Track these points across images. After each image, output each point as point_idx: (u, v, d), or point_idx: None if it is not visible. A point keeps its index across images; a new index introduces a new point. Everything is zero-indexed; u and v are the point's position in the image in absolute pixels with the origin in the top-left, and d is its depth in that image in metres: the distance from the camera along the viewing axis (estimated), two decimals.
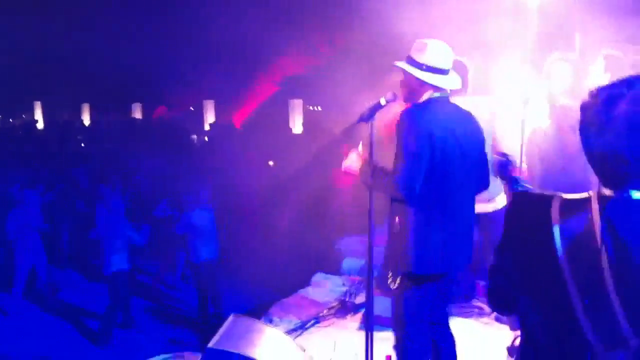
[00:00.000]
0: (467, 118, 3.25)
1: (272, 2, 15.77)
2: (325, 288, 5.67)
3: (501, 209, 4.47)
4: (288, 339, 3.42)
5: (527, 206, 1.60)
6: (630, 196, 1.44)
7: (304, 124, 17.74)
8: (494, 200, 4.50)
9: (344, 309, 5.08)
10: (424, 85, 3.13)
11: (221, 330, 3.22)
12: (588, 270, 1.42)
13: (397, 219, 3.10)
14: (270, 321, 4.99)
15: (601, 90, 1.47)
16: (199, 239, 6.51)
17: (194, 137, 17.77)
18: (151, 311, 7.30)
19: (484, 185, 3.42)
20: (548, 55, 4.88)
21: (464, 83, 4.32)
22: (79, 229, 8.52)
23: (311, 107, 19.51)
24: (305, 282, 5.87)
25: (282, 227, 9.76)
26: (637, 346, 1.37)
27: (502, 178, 3.58)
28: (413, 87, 3.17)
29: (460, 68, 4.34)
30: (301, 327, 4.84)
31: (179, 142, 14.54)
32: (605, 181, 1.49)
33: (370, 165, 3.19)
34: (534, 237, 1.52)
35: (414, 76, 3.12)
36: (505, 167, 3.49)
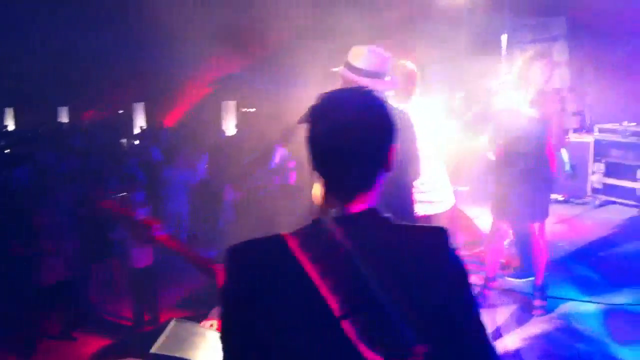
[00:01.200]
0: (403, 118, 3.32)
1: (201, 3, 15.58)
2: None
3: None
4: None
5: (256, 257, 1.44)
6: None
7: (237, 126, 17.63)
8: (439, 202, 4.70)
9: None
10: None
11: (162, 336, 3.15)
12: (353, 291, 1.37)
13: None
14: (212, 325, 4.92)
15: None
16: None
17: (124, 140, 17.37)
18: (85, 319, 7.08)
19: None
20: (476, 56, 5.14)
21: (411, 86, 4.44)
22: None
23: (244, 109, 19.39)
24: None
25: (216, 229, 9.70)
26: (423, 352, 1.34)
27: None
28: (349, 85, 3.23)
29: (407, 72, 4.47)
30: None
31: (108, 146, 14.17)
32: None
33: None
34: (284, 285, 1.39)
35: (353, 81, 3.19)
36: None
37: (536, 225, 5.03)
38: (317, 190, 1.50)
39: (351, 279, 1.36)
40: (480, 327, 1.45)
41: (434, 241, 1.45)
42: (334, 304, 1.33)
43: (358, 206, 1.45)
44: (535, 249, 5.05)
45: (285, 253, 1.39)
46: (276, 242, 1.42)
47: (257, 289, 1.39)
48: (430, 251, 1.43)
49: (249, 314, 1.38)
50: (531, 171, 4.85)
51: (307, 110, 3.49)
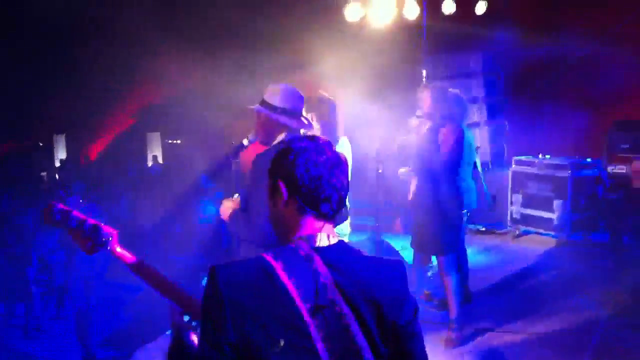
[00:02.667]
0: None
1: (123, 30, 15.36)
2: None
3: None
4: None
5: (243, 277, 1.54)
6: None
7: (163, 158, 17.36)
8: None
9: None
10: (279, 126, 3.23)
11: None
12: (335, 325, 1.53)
13: None
14: None
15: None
16: None
17: (44, 174, 16.80)
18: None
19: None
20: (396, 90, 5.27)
21: (333, 118, 4.48)
22: None
23: (170, 141, 19.12)
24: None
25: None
26: None
27: None
28: (269, 129, 3.30)
29: (328, 105, 4.53)
30: None
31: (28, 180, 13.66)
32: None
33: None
34: (271, 306, 1.50)
35: (269, 118, 3.23)
36: None
37: (440, 258, 5.08)
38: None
39: (330, 310, 1.52)
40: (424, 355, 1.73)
41: (397, 271, 1.69)
42: (312, 328, 1.48)
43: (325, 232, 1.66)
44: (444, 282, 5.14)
45: (272, 277, 1.51)
46: (264, 266, 1.54)
47: (245, 309, 1.48)
48: (396, 280, 1.67)
49: (232, 333, 1.47)
50: (435, 203, 4.94)
51: (230, 149, 3.48)
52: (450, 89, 5.41)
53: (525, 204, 8.55)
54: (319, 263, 1.57)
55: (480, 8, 8.79)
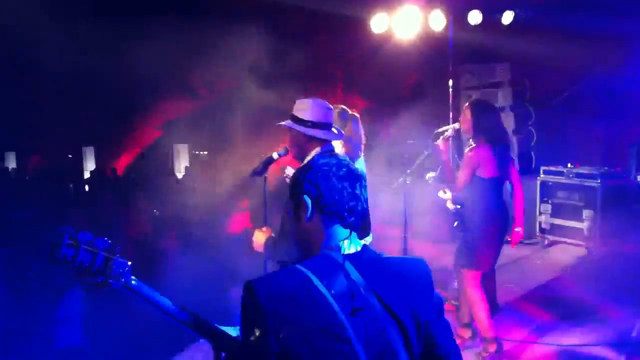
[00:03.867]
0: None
1: (150, 44, 15.55)
2: None
3: None
4: None
5: (282, 289, 1.59)
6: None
7: (188, 169, 17.51)
8: None
9: None
10: (312, 140, 3.27)
11: None
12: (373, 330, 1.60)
13: None
14: None
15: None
16: None
17: (71, 185, 17.04)
18: None
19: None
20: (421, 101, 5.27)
21: (356, 133, 4.53)
22: None
23: (197, 152, 19.28)
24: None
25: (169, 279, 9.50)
26: None
27: None
28: (301, 143, 3.34)
29: (350, 119, 4.57)
30: None
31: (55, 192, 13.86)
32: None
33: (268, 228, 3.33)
34: (313, 318, 1.55)
35: (302, 133, 3.26)
36: None
37: (464, 271, 5.04)
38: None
39: (366, 313, 1.59)
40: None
41: (422, 270, 1.76)
42: (351, 333, 1.54)
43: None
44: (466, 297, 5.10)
45: (309, 287, 1.57)
46: (299, 277, 1.60)
47: (287, 320, 1.53)
48: (422, 278, 1.74)
49: (276, 344, 1.52)
50: (473, 217, 4.91)
51: (259, 163, 3.55)
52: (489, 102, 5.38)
53: (554, 214, 8.49)
54: (351, 270, 1.64)
55: (507, 18, 8.77)
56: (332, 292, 1.56)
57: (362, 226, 1.78)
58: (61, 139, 19.00)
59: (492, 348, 4.92)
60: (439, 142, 4.96)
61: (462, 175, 4.86)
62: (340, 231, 1.73)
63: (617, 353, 5.06)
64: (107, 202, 11.32)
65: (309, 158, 3.30)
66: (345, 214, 1.72)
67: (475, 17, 8.66)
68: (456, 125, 5.09)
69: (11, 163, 19.78)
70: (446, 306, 6.10)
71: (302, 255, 1.76)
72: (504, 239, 5.09)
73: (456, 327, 5.32)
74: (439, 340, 1.74)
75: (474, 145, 4.88)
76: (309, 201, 1.72)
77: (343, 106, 4.58)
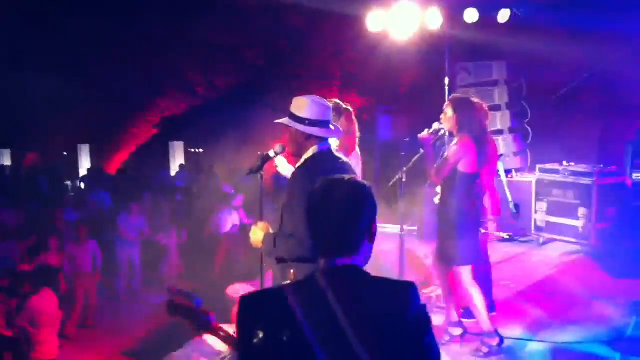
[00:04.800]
0: (346, 168, 3.37)
1: (146, 42, 15.53)
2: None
3: None
4: None
5: (263, 309, 1.73)
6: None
7: (184, 166, 17.50)
8: None
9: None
10: (310, 138, 3.26)
11: None
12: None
13: (291, 272, 3.14)
14: None
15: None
16: None
17: (68, 183, 17.01)
18: None
19: None
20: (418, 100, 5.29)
21: (350, 127, 4.54)
22: None
23: (192, 150, 19.27)
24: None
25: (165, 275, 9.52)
26: None
27: None
28: (299, 141, 3.34)
29: (344, 113, 4.58)
30: None
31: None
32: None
33: (262, 221, 3.32)
34: (282, 335, 1.66)
35: (299, 131, 3.25)
36: None
37: (455, 269, 5.03)
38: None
39: (333, 330, 1.63)
40: None
41: (403, 293, 1.75)
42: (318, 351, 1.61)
43: (343, 261, 1.78)
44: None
45: (285, 307, 1.66)
46: (279, 296, 1.69)
47: (266, 337, 1.65)
48: (400, 302, 1.73)
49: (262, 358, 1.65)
50: (452, 212, 4.94)
51: (257, 160, 3.55)
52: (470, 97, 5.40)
53: (549, 212, 8.50)
54: (326, 287, 1.71)
55: (503, 16, 8.78)
56: (309, 317, 1.65)
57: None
58: (56, 136, 18.95)
59: (494, 341, 4.95)
60: (424, 134, 5.02)
61: (444, 168, 4.88)
62: (326, 250, 1.84)
63: (612, 350, 5.08)
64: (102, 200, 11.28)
65: (306, 156, 3.31)
66: (332, 239, 1.83)
67: (471, 15, 8.66)
68: (436, 125, 5.14)
69: (6, 160, 19.73)
70: (442, 303, 6.10)
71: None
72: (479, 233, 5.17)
73: (446, 326, 5.33)
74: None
75: (458, 139, 4.92)
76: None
77: (337, 100, 4.58)
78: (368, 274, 1.78)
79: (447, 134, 5.27)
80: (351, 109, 4.71)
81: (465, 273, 4.95)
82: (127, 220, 9.21)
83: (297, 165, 3.39)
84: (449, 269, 5.10)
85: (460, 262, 4.94)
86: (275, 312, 1.67)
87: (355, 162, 4.47)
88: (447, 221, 4.97)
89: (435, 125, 5.09)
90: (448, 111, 4.99)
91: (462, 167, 4.85)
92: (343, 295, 1.68)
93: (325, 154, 3.33)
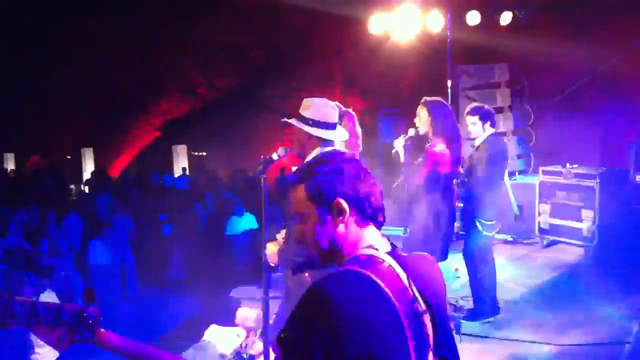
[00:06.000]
0: None
1: (147, 45, 15.56)
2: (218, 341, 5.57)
3: None
4: None
5: (359, 293, 1.55)
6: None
7: (189, 170, 17.52)
8: None
9: None
10: (311, 138, 3.31)
11: None
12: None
13: (306, 275, 3.18)
14: None
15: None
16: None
17: (72, 186, 17.06)
18: None
19: None
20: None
21: (353, 130, 4.57)
22: None
23: (195, 153, 19.30)
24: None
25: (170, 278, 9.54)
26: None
27: None
28: (302, 140, 3.42)
29: (346, 117, 4.60)
30: None
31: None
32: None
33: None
34: (382, 316, 1.54)
35: (302, 130, 3.29)
36: None
37: None
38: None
39: (416, 304, 1.61)
40: None
41: (436, 265, 1.83)
42: (408, 331, 1.55)
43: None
44: None
45: (377, 288, 1.54)
46: (362, 278, 1.57)
47: (367, 324, 1.49)
48: (440, 272, 1.81)
49: (354, 347, 1.47)
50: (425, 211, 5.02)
51: (260, 164, 3.56)
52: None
53: (553, 214, 8.49)
54: (398, 269, 1.63)
55: (505, 18, 8.79)
56: (393, 293, 1.55)
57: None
58: (60, 140, 19.00)
59: None
60: (400, 141, 5.13)
61: (422, 171, 4.97)
62: (374, 231, 1.72)
63: (616, 353, 5.08)
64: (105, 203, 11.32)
65: (309, 157, 3.34)
66: (379, 213, 1.72)
67: (473, 17, 8.67)
68: (411, 131, 5.21)
69: (10, 164, 19.79)
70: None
71: (327, 259, 1.73)
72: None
73: None
74: (449, 332, 1.76)
75: (433, 142, 5.01)
76: (345, 204, 1.67)
77: (337, 103, 4.60)
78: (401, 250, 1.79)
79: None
80: (353, 113, 4.73)
81: None
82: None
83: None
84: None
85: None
86: (370, 294, 1.54)
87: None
88: (422, 219, 5.02)
89: (411, 132, 5.21)
90: (422, 114, 5.08)
91: (439, 169, 5.00)
92: (405, 270, 1.65)
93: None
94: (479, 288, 5.64)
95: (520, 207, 8.97)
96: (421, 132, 5.15)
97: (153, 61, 15.95)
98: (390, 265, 1.63)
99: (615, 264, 7.42)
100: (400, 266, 1.64)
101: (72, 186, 16.98)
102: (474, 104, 5.77)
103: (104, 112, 17.73)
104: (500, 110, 9.48)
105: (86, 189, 16.06)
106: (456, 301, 6.05)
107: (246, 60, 15.84)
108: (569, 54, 9.01)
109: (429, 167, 4.97)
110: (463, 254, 5.74)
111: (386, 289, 1.54)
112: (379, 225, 1.74)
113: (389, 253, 1.68)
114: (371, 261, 1.63)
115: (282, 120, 3.48)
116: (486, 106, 5.64)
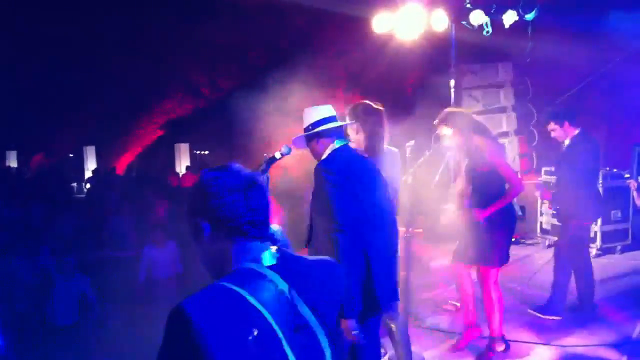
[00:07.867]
0: (366, 160, 3.68)
1: (151, 44, 15.56)
2: None
3: None
4: None
5: (219, 312, 1.49)
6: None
7: (192, 169, 17.53)
8: None
9: None
10: (318, 141, 3.53)
11: None
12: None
13: None
14: None
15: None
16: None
17: (74, 185, 17.08)
18: None
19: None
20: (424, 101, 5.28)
21: (380, 127, 4.46)
22: None
23: (198, 152, 19.31)
24: None
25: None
26: None
27: None
28: (312, 147, 3.62)
29: (374, 114, 4.53)
30: None
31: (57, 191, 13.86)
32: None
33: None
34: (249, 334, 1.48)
35: (308, 137, 3.57)
36: None
37: (483, 269, 4.95)
38: None
39: (305, 330, 1.57)
40: None
41: (334, 268, 1.79)
42: (290, 349, 1.49)
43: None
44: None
45: (247, 307, 1.49)
46: (232, 296, 1.50)
47: (229, 344, 1.42)
48: (342, 279, 1.80)
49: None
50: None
51: (263, 162, 3.58)
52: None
53: (555, 215, 8.47)
54: (277, 280, 1.58)
55: (509, 18, 8.75)
56: (268, 309, 1.50)
57: (269, 235, 1.70)
58: (62, 138, 19.01)
59: (501, 347, 4.95)
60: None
61: (509, 169, 4.93)
62: (249, 245, 1.65)
63: (619, 354, 5.06)
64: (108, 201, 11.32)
65: (324, 156, 3.52)
66: (244, 227, 1.64)
67: (477, 17, 8.64)
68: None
69: (12, 162, 19.82)
70: (446, 306, 6.11)
71: (214, 276, 1.66)
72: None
73: (461, 327, 5.31)
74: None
75: (483, 142, 4.87)
76: (203, 224, 1.64)
77: (368, 101, 4.41)
78: (294, 254, 1.75)
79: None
80: (382, 110, 4.52)
81: (493, 274, 4.90)
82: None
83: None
84: (473, 269, 5.06)
85: (494, 264, 4.86)
86: (233, 310, 1.49)
87: (392, 160, 4.46)
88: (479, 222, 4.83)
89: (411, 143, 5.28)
90: (447, 131, 4.91)
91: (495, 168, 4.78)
92: (291, 279, 1.61)
93: (344, 149, 3.54)
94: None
95: (522, 207, 8.94)
96: (454, 145, 4.99)
97: (157, 61, 15.97)
98: (268, 278, 1.57)
99: (617, 265, 7.41)
100: (284, 277, 1.59)
101: (74, 184, 17.00)
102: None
103: (107, 111, 17.74)
104: (503, 109, 9.46)
105: (87, 187, 16.07)
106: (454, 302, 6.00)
107: (249, 61, 15.85)
108: (574, 53, 8.98)
109: (502, 160, 4.86)
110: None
111: (256, 303, 1.49)
112: (258, 239, 1.66)
113: (272, 266, 1.62)
114: (246, 274, 1.58)
115: (293, 141, 3.63)
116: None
